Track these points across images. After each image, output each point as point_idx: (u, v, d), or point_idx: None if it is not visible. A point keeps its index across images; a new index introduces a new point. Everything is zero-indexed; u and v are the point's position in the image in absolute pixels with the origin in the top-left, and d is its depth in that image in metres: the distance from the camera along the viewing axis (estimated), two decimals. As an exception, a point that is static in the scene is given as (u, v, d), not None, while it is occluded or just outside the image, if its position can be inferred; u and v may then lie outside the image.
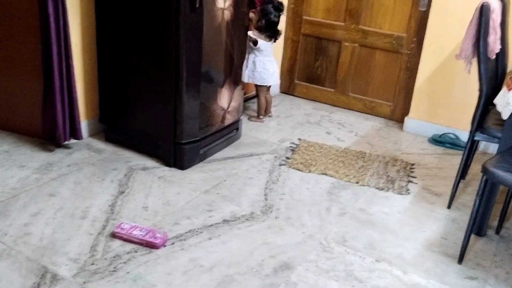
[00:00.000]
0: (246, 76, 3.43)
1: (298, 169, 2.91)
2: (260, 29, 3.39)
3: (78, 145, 2.95)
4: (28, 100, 2.89)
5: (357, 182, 2.80)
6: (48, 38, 2.60)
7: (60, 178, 2.60)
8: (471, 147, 2.65)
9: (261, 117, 3.62)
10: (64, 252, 2.03)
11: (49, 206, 2.34)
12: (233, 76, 3.00)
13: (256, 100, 3.65)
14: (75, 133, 2.86)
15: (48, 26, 2.57)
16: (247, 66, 3.42)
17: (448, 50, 3.33)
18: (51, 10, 2.55)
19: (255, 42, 3.37)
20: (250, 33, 3.31)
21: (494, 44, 2.38)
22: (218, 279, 1.96)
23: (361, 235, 2.33)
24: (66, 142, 2.87)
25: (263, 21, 3.34)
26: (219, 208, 2.45)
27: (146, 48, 2.68)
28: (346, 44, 3.85)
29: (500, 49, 2.47)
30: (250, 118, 3.63)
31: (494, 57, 2.44)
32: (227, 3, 2.75)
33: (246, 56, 3.32)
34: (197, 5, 2.51)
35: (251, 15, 3.32)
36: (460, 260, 2.19)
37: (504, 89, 2.19)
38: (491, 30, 2.34)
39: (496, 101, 2.23)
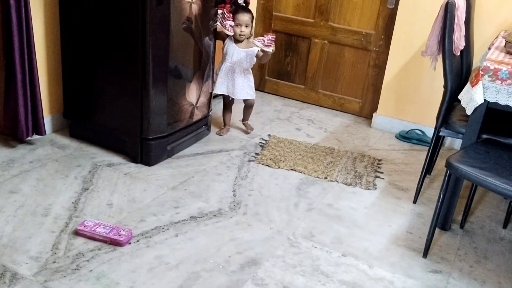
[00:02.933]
0: (249, 94, 3.20)
1: (267, 165, 2.90)
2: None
3: (41, 141, 2.87)
4: (-11, 95, 2.80)
5: (326, 178, 2.81)
6: (10, 30, 2.51)
7: (22, 174, 2.52)
8: (436, 143, 2.69)
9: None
10: (25, 251, 1.97)
11: (9, 203, 2.27)
12: (202, 71, 2.96)
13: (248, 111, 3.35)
14: (38, 129, 2.78)
15: (10, 18, 2.49)
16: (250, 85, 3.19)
17: (416, 47, 3.37)
18: (12, 1, 2.47)
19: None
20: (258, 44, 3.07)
21: (459, 41, 2.42)
22: (184, 276, 1.93)
23: (328, 230, 2.34)
24: (29, 138, 2.79)
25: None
26: (186, 204, 2.42)
27: (112, 42, 2.62)
28: (316, 40, 3.86)
29: (465, 46, 2.51)
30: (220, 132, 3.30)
31: (458, 54, 2.48)
32: (195, -3, 2.71)
33: (243, 71, 3.12)
34: (164, -2, 2.47)
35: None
36: (425, 254, 2.22)
37: (468, 85, 2.22)
38: (456, 27, 2.37)
39: (460, 97, 2.26)
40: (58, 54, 2.88)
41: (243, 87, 3.13)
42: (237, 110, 3.34)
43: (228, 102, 3.26)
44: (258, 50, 3.05)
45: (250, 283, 1.93)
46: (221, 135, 3.23)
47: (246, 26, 3.01)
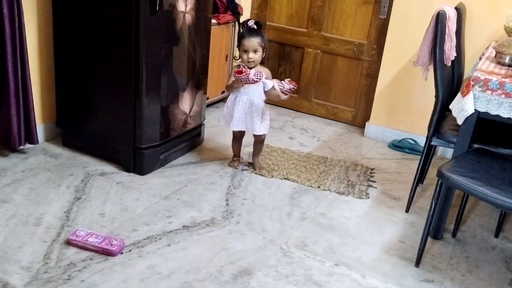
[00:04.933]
0: (265, 129, 2.85)
1: (260, 174, 2.90)
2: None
3: (34, 150, 2.86)
4: (-19, 103, 2.79)
5: (319, 187, 2.82)
6: (3, 39, 2.51)
7: (14, 184, 2.51)
8: (428, 152, 2.71)
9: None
10: (16, 260, 1.96)
11: (1, 212, 2.26)
12: (195, 80, 2.97)
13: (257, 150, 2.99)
14: (31, 138, 2.77)
15: (3, 27, 2.49)
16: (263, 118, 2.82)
17: (408, 57, 3.40)
18: (5, 10, 2.47)
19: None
20: (272, 82, 2.70)
21: (449, 51, 2.44)
22: (176, 286, 1.93)
23: (321, 240, 2.34)
24: (21, 147, 2.78)
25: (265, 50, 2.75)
26: (179, 214, 2.42)
27: (105, 50, 2.63)
28: (309, 50, 3.88)
29: (456, 56, 2.54)
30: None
31: (449, 64, 2.50)
32: (189, 7, 2.73)
33: (263, 108, 2.79)
34: (157, 8, 2.48)
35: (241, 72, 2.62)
36: (417, 263, 2.22)
37: (459, 95, 2.24)
38: (447, 38, 2.40)
39: (451, 106, 2.28)
40: (51, 63, 2.88)
41: (262, 122, 2.80)
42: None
43: (239, 135, 2.95)
44: (273, 87, 2.68)
45: (242, 293, 1.93)
46: (235, 168, 2.95)
47: (255, 52, 2.66)
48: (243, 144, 3.02)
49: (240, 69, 2.64)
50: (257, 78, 2.60)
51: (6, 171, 2.62)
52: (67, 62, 2.78)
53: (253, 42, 2.65)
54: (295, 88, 2.71)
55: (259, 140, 2.91)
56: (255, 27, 2.69)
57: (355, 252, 2.27)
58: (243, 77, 2.58)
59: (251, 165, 2.99)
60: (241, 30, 2.73)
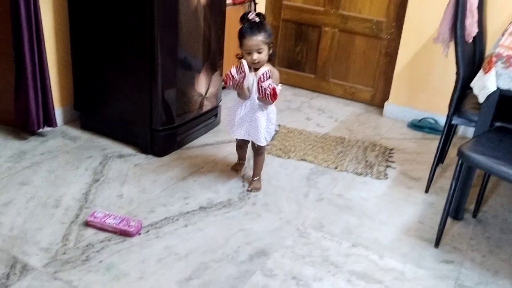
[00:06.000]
0: (266, 139, 2.44)
1: (277, 155, 2.88)
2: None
3: (52, 133, 2.89)
4: (0, 88, 2.82)
5: (336, 168, 2.79)
6: (19, 23, 2.52)
7: (33, 166, 2.54)
8: (448, 131, 2.65)
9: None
10: (35, 242, 1.99)
11: (21, 195, 2.29)
12: (211, 61, 2.95)
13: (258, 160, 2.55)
14: (49, 121, 2.80)
15: (19, 10, 2.50)
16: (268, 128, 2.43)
17: (428, 34, 3.31)
18: (20, -7, 2.48)
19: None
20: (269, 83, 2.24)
21: (471, 27, 2.37)
22: (193, 267, 1.94)
23: (338, 220, 2.32)
24: (41, 130, 2.81)
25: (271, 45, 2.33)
26: (195, 195, 2.42)
27: (120, 32, 2.62)
28: (326, 29, 3.81)
29: (478, 33, 2.46)
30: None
31: (471, 40, 2.43)
32: (203, -13, 2.69)
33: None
34: (171, -12, 2.46)
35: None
36: (437, 244, 2.19)
37: (480, 72, 2.18)
38: (468, 13, 2.32)
39: (472, 84, 2.22)
40: (67, 47, 2.88)
41: (266, 130, 2.41)
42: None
43: (243, 143, 2.59)
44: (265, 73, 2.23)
45: (259, 273, 1.93)
46: (236, 171, 2.66)
47: (259, 52, 2.24)
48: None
49: (228, 74, 2.27)
50: (264, 80, 2.21)
51: (25, 154, 2.65)
52: (83, 45, 2.79)
53: (256, 41, 2.22)
54: (271, 93, 2.22)
55: (257, 152, 2.50)
56: (256, 19, 2.25)
57: (373, 233, 2.25)
58: (234, 85, 2.28)
59: (248, 185, 2.56)
60: (242, 26, 2.27)
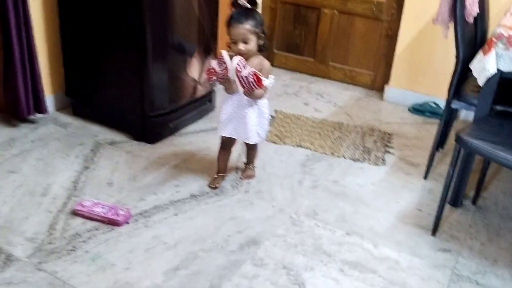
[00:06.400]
0: (259, 135, 2.28)
1: (273, 141, 2.82)
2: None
3: (44, 120, 2.84)
4: (-11, 74, 2.76)
5: (332, 154, 2.72)
6: (5, 8, 2.46)
7: (22, 154, 2.49)
8: (448, 116, 2.57)
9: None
10: (21, 232, 1.95)
11: (8, 183, 2.25)
12: (204, 45, 2.87)
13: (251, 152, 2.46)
14: (40, 107, 2.75)
15: (4, -6, 2.43)
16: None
17: (429, 15, 3.21)
18: (6, -24, 2.41)
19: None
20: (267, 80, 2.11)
21: (471, 7, 2.27)
22: (181, 256, 1.89)
23: (332, 208, 2.26)
24: (32, 117, 2.76)
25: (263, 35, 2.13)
26: (187, 183, 2.37)
27: (110, 17, 2.55)
28: (326, 11, 3.71)
29: (479, 13, 2.36)
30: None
31: (471, 21, 2.33)
32: (194, -32, 2.61)
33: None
34: (160, -30, 2.38)
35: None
36: (434, 232, 2.13)
37: (480, 54, 2.09)
38: (468, -8, 2.23)
39: (472, 66, 2.13)
40: (57, 32, 2.81)
41: (258, 127, 2.24)
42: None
43: (227, 141, 2.34)
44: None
45: (249, 263, 1.88)
46: (213, 187, 2.32)
47: (245, 42, 2.04)
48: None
49: (209, 67, 2.09)
50: (239, 69, 2.00)
51: (15, 141, 2.60)
52: (73, 31, 2.72)
53: (241, 29, 2.02)
54: (254, 80, 2.02)
55: (250, 147, 2.40)
56: (248, 6, 2.06)
57: (368, 221, 2.19)
58: (218, 79, 2.10)
59: (241, 173, 2.47)
60: (231, 11, 2.08)
